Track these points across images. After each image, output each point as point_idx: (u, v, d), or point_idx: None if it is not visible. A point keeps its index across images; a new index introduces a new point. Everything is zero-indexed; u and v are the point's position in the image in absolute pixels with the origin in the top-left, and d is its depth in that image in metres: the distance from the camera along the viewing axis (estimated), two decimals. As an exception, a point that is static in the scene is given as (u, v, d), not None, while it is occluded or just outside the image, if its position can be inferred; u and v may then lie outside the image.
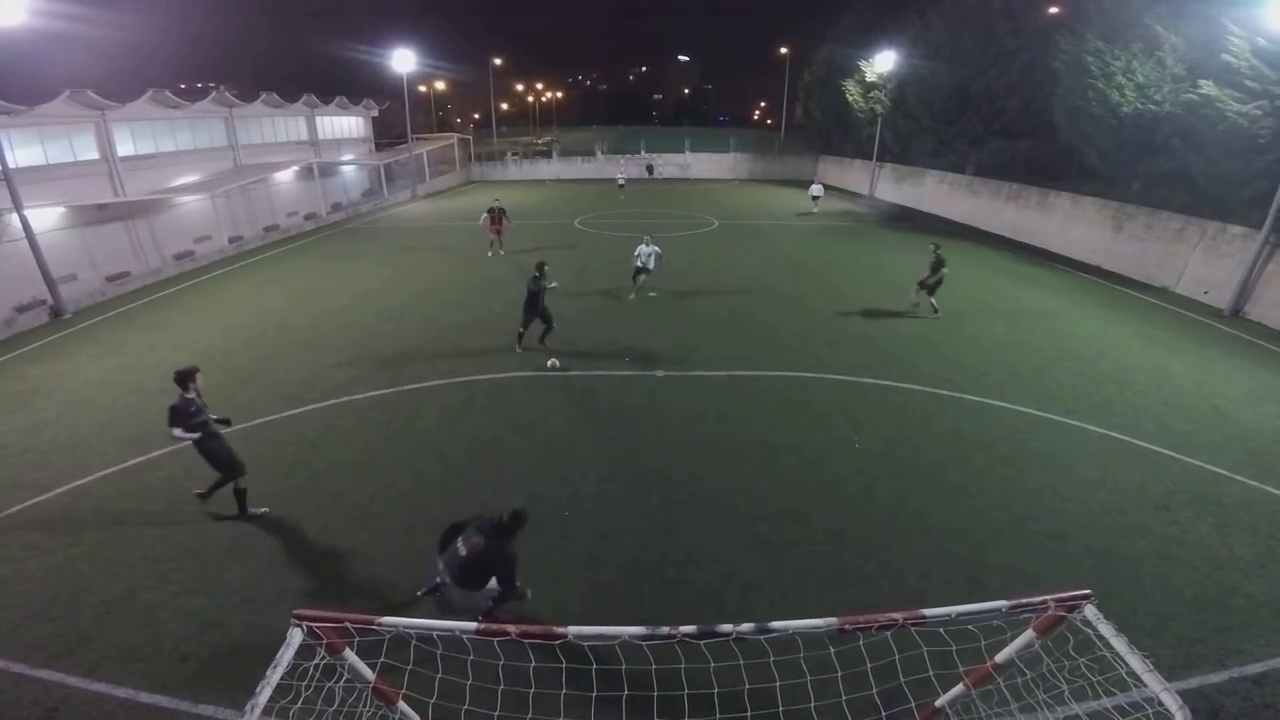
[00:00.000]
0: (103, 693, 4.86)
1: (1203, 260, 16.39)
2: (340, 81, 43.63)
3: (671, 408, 9.67)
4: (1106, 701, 3.94)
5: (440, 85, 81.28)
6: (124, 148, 20.06)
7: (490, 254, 19.72)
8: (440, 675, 3.58)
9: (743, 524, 6.94)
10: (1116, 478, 7.85)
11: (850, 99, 35.89)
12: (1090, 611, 3.05)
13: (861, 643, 3.66)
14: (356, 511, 7.13)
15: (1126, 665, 2.86)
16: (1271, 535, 6.80)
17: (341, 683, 3.32)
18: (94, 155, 19.07)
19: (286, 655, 2.85)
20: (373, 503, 7.30)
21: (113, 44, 58.66)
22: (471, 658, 3.37)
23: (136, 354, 12.09)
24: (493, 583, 4.96)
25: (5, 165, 13.54)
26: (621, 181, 35.54)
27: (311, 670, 3.03)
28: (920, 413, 9.57)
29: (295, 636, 2.90)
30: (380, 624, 2.90)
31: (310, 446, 8.54)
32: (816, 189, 30.39)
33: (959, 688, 3.64)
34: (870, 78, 33.44)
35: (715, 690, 3.57)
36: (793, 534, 6.77)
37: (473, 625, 2.97)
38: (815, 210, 29.23)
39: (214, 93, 25.49)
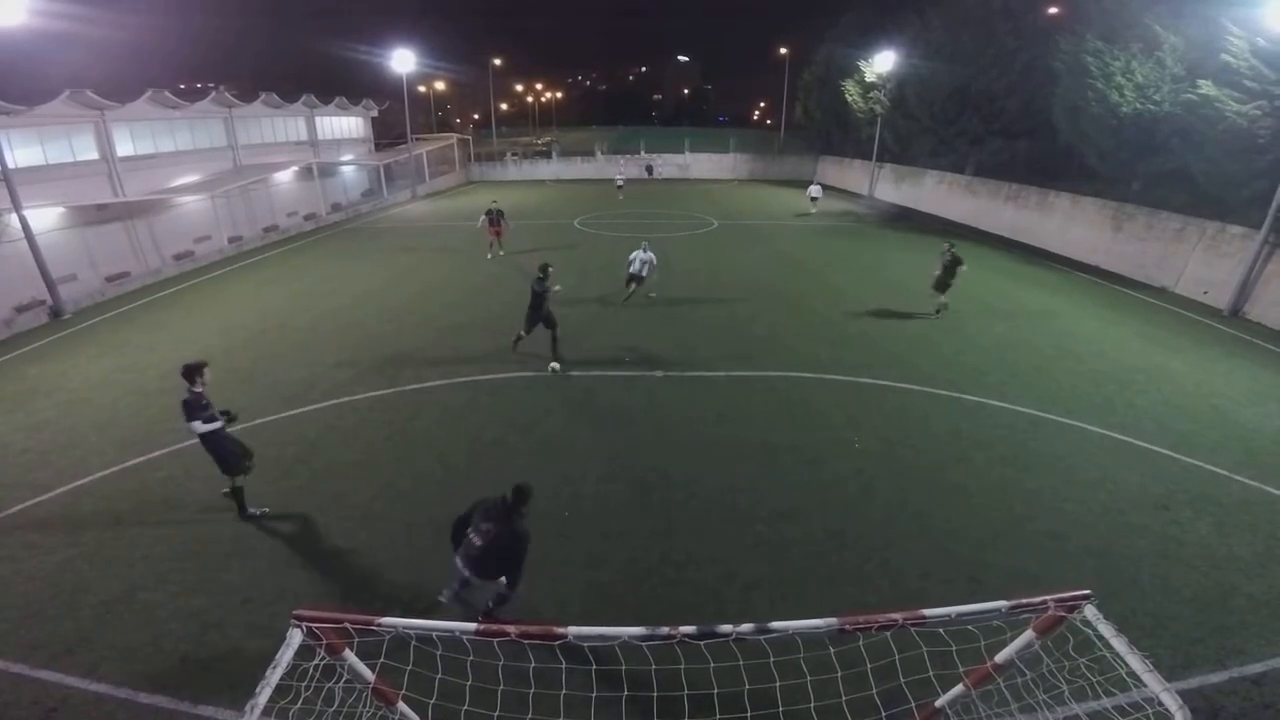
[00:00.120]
0: (103, 693, 4.86)
1: (1202, 260, 16.40)
2: (340, 82, 43.62)
3: (671, 408, 9.67)
4: (1106, 702, 3.94)
5: (440, 85, 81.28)
6: (123, 148, 20.07)
7: (489, 255, 19.68)
8: (440, 676, 3.58)
9: (742, 524, 6.94)
10: (1116, 478, 7.86)
11: (850, 99, 35.88)
12: (1090, 612, 3.05)
13: (861, 643, 3.66)
14: (357, 512, 7.13)
15: (1126, 665, 2.86)
16: (1271, 535, 6.80)
17: (341, 683, 3.32)
18: (93, 155, 19.08)
19: (286, 655, 2.85)
20: (373, 503, 7.30)
21: (113, 44, 58.72)
22: (471, 658, 3.37)
23: (136, 354, 12.09)
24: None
25: (5, 165, 13.54)
26: (620, 182, 35.46)
27: (311, 671, 3.02)
28: (920, 413, 9.58)
29: (295, 637, 2.89)
30: (380, 624, 2.90)
31: (310, 447, 8.54)
32: (815, 190, 30.31)
33: (959, 688, 3.65)
34: (870, 78, 33.43)
35: (715, 691, 3.57)
36: (792, 534, 6.77)
37: (473, 626, 2.97)
38: (813, 211, 29.21)
39: (214, 93, 25.50)
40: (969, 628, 3.28)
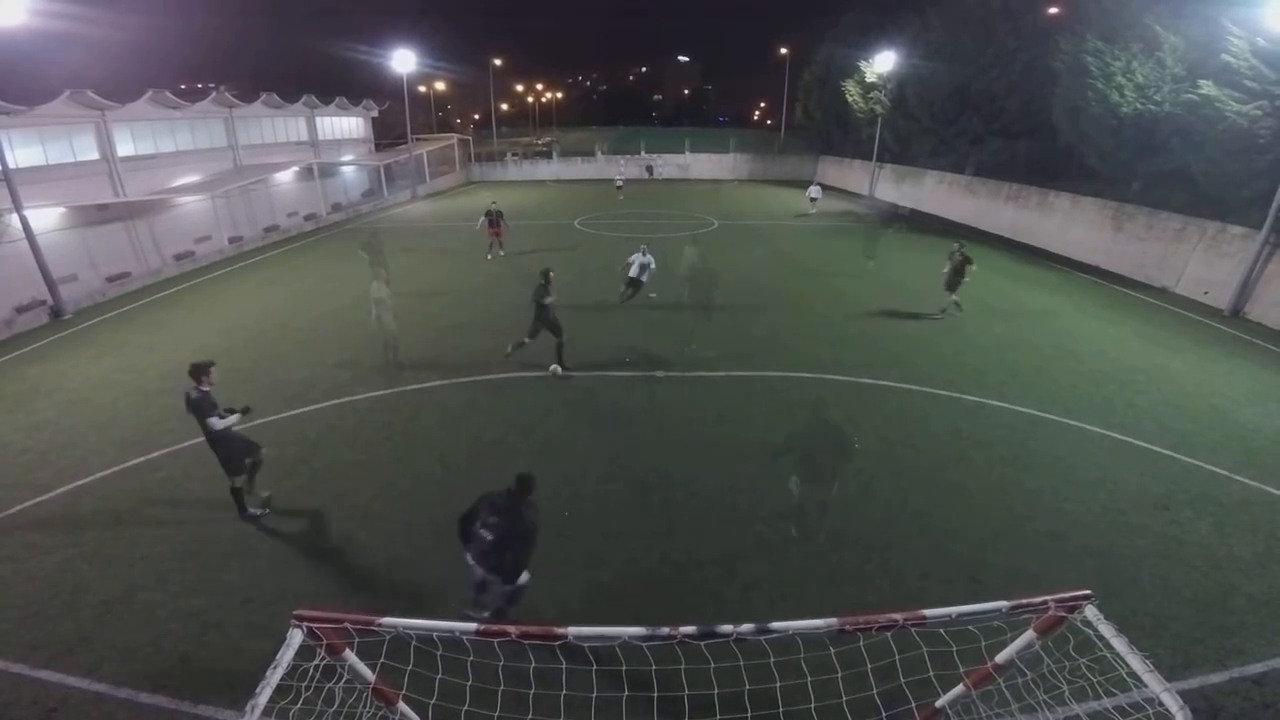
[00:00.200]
0: (103, 693, 4.86)
1: (1202, 260, 16.40)
2: (340, 82, 43.63)
3: (671, 408, 9.67)
4: (1107, 702, 3.93)
5: (440, 85, 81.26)
6: (124, 148, 20.07)
7: (489, 256, 19.65)
8: (440, 676, 3.57)
9: (743, 524, 6.94)
10: (1116, 478, 7.86)
11: (850, 99, 35.85)
12: (1090, 612, 3.05)
13: (861, 643, 3.65)
14: (357, 512, 7.13)
15: (1127, 665, 2.86)
16: (1271, 535, 6.80)
17: (341, 683, 3.32)
18: (94, 155, 19.08)
19: (286, 656, 2.84)
20: (373, 503, 7.31)
21: (113, 44, 58.67)
22: (471, 658, 3.37)
23: (136, 354, 12.09)
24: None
25: (5, 165, 13.55)
26: (620, 183, 35.41)
27: (311, 671, 3.02)
28: (920, 413, 9.58)
29: (295, 637, 2.89)
30: (380, 624, 2.90)
31: (311, 447, 8.55)
32: (814, 190, 30.22)
33: (959, 688, 3.64)
34: (870, 78, 33.41)
35: (715, 691, 3.56)
36: (792, 534, 6.76)
37: (473, 626, 2.96)
38: (813, 211, 29.20)
39: (214, 93, 25.50)
40: (969, 628, 3.27)
